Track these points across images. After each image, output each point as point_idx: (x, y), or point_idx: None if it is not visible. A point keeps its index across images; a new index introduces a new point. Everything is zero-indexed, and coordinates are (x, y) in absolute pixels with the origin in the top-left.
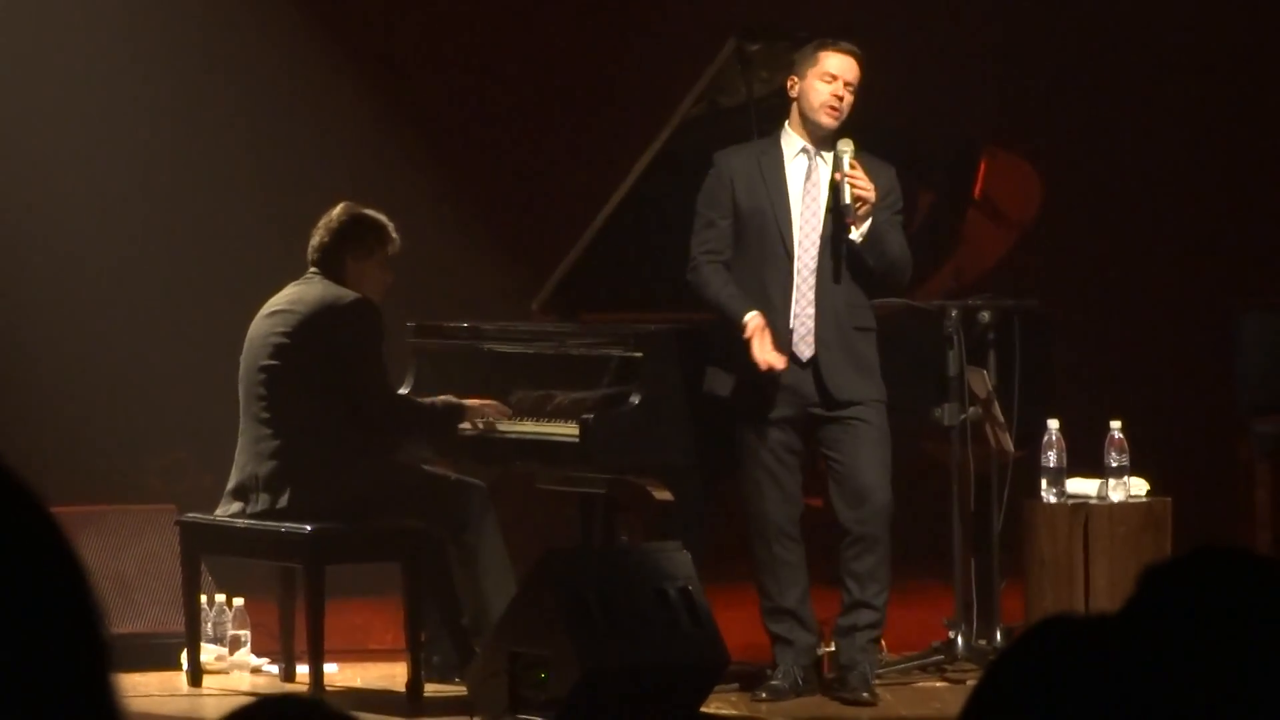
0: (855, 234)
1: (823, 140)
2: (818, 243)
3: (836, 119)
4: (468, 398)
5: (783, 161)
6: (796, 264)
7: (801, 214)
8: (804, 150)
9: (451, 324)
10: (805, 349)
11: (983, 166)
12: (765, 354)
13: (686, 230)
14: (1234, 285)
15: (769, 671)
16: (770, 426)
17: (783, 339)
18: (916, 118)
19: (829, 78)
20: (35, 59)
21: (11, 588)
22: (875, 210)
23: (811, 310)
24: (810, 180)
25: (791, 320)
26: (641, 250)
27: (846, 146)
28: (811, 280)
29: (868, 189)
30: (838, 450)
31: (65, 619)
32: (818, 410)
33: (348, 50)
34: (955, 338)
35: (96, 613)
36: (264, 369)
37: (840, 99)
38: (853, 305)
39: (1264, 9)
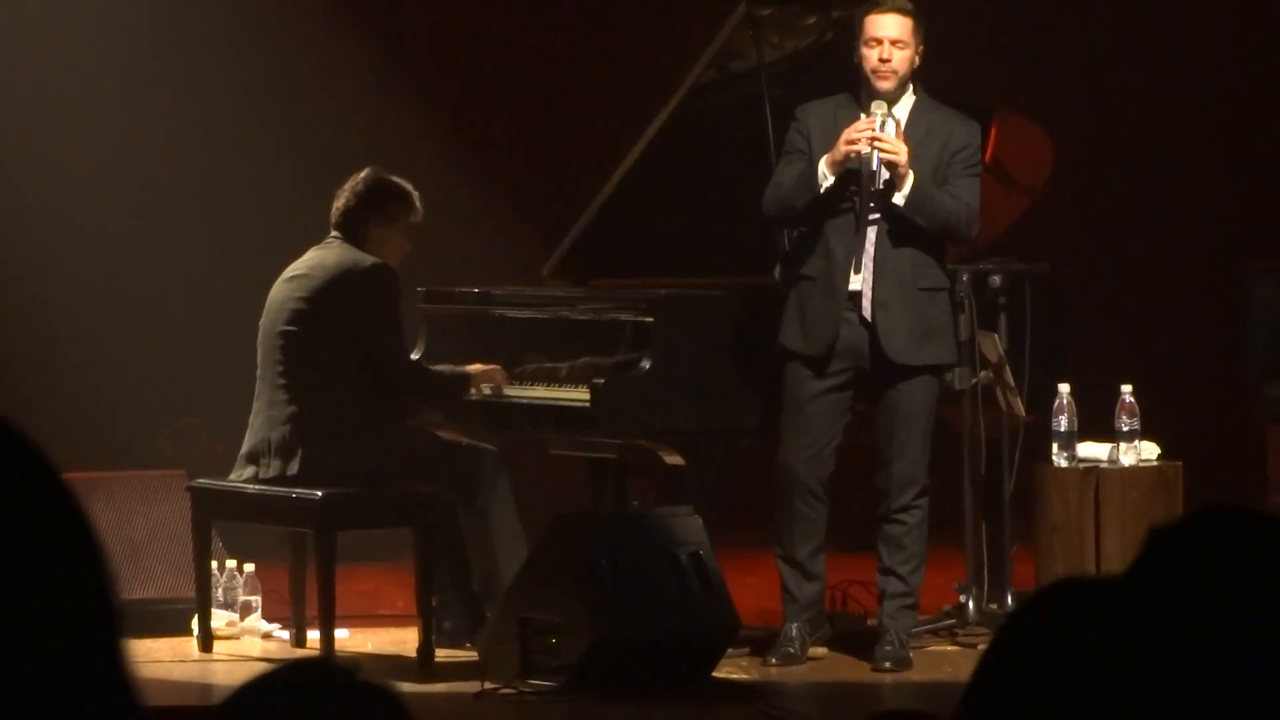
0: (898, 197)
1: (891, 102)
2: (883, 201)
3: (889, 81)
4: (474, 363)
5: (858, 119)
6: (863, 223)
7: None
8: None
9: (462, 289)
10: (869, 309)
11: (994, 131)
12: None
13: (697, 195)
14: (1245, 248)
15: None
16: (823, 384)
17: (841, 298)
18: (927, 81)
19: (873, 42)
20: (61, 30)
21: (24, 553)
22: (944, 164)
23: (871, 269)
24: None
25: (859, 282)
26: (653, 215)
27: (879, 108)
28: (874, 239)
29: (895, 151)
30: (876, 427)
31: (77, 585)
32: (873, 375)
33: (361, 17)
34: (967, 302)
35: (108, 579)
36: (282, 334)
37: (887, 60)
38: (918, 265)
39: None
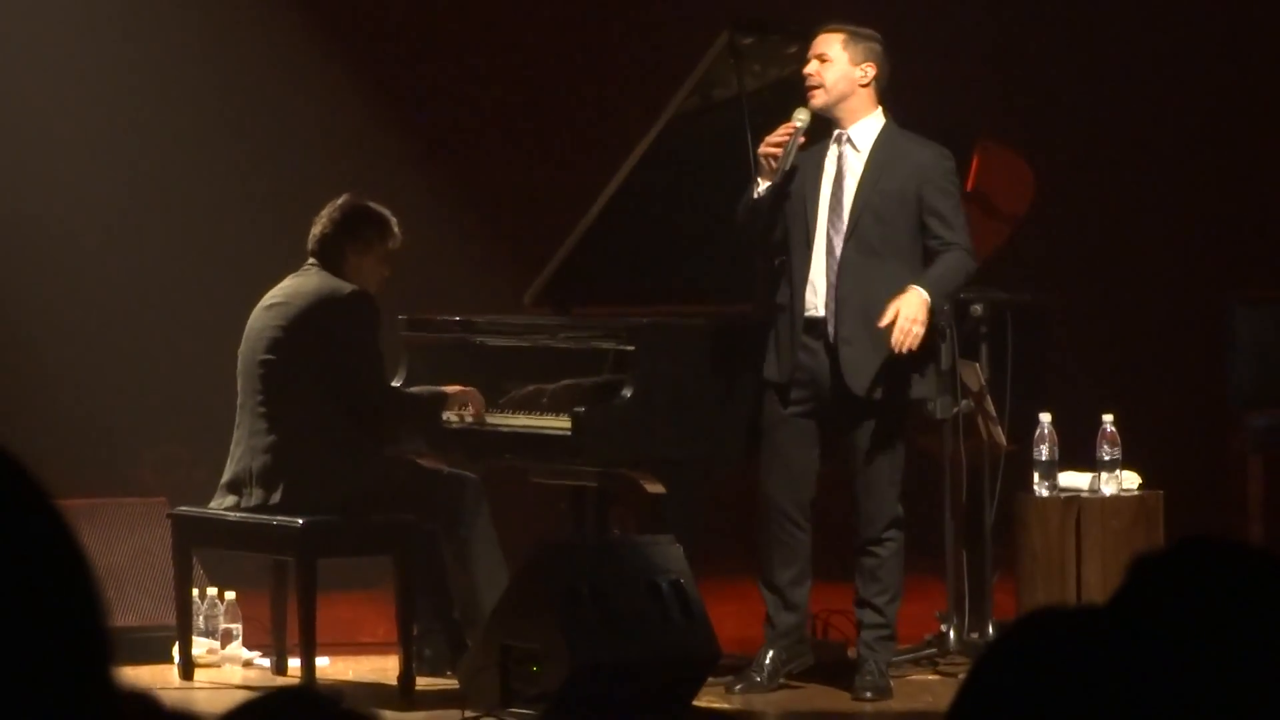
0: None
1: (845, 124)
2: (842, 232)
3: (815, 96)
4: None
5: (826, 146)
6: (816, 253)
7: (829, 204)
8: (837, 139)
9: (443, 317)
10: (833, 339)
11: (975, 160)
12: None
13: (679, 223)
14: (1226, 279)
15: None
16: (787, 411)
17: (800, 325)
18: (909, 111)
19: (807, 60)
20: (39, 54)
21: (17, 579)
22: (916, 190)
23: (834, 302)
24: (839, 171)
25: (818, 309)
26: (634, 244)
27: (801, 114)
28: (836, 270)
29: (773, 150)
30: (849, 464)
31: (69, 611)
32: (835, 407)
33: (343, 45)
34: (948, 331)
35: (99, 606)
36: (262, 363)
37: (810, 75)
38: (888, 301)
39: (1258, 3)
